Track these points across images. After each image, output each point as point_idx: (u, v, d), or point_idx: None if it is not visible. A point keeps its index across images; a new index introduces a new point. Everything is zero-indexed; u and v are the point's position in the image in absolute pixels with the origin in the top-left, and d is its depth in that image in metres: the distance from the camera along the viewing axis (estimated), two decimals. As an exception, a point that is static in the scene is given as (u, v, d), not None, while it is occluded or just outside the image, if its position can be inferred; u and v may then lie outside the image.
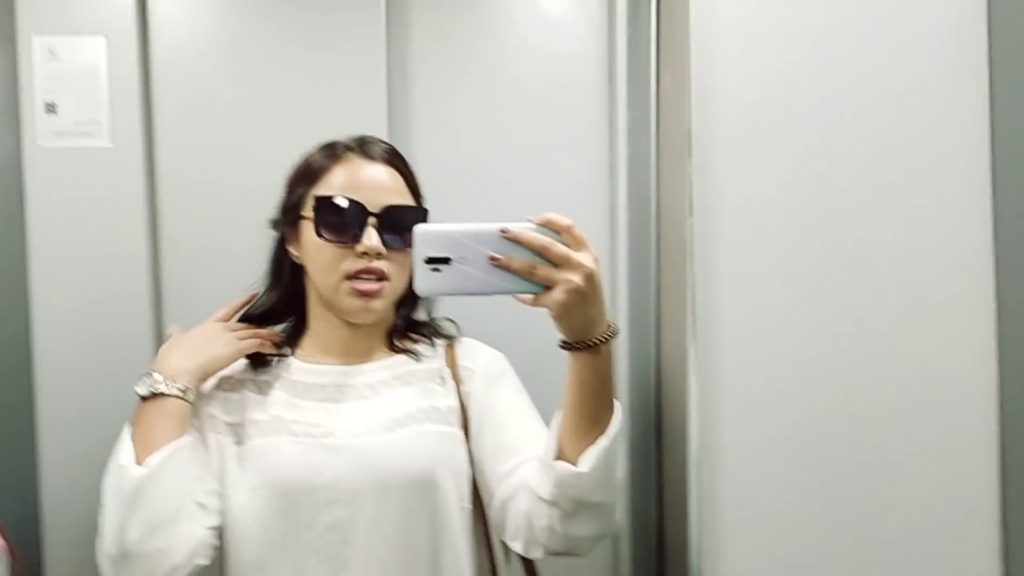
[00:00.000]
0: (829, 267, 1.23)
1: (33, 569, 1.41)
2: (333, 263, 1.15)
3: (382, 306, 1.17)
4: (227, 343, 1.17)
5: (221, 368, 1.16)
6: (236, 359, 1.17)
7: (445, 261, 0.93)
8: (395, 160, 1.20)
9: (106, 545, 1.05)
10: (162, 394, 1.09)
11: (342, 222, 1.14)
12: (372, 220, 1.14)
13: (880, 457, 1.24)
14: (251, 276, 1.28)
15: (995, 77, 1.23)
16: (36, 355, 1.43)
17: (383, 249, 1.13)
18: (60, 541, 1.44)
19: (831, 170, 1.23)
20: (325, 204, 1.15)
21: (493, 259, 0.92)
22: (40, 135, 1.42)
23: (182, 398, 1.10)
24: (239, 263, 1.31)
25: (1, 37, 1.40)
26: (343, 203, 1.14)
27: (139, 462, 1.05)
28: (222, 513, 1.13)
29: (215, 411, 1.17)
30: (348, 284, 1.15)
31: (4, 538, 0.92)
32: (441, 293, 0.97)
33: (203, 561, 1.09)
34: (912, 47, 1.23)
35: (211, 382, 1.20)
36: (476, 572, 1.18)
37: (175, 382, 1.10)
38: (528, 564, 1.21)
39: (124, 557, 1.03)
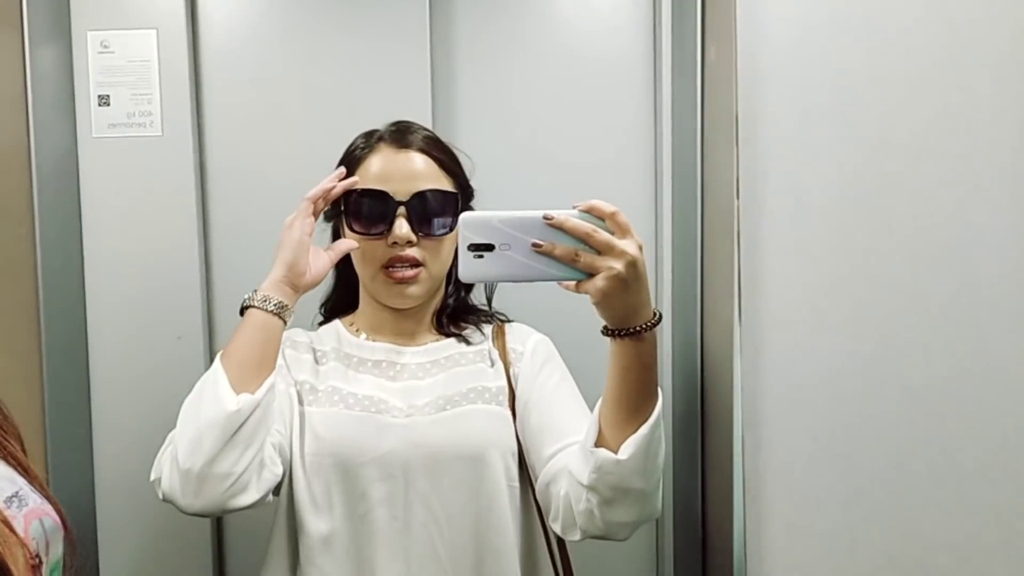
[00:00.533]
0: (878, 247, 1.21)
1: (87, 546, 1.45)
2: (368, 254, 1.18)
3: (420, 291, 1.19)
4: (288, 226, 1.12)
5: (302, 253, 1.10)
6: (304, 233, 1.11)
7: (489, 248, 0.94)
8: (428, 146, 1.21)
9: (184, 461, 1.00)
10: (255, 308, 1.08)
11: (371, 213, 1.16)
12: (401, 209, 1.15)
13: (928, 435, 1.22)
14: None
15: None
16: (90, 337, 1.47)
17: (413, 237, 1.15)
18: (113, 519, 1.48)
19: (881, 147, 1.20)
20: (353, 198, 1.17)
21: (536, 246, 0.93)
22: (94, 126, 1.46)
23: (278, 314, 1.08)
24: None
25: (56, 32, 1.43)
26: (371, 195, 1.16)
27: (234, 388, 1.03)
28: (288, 464, 1.14)
29: (289, 363, 1.20)
30: (384, 273, 1.17)
31: (60, 516, 0.94)
32: (485, 279, 0.98)
33: (268, 499, 1.08)
34: (966, 24, 1.20)
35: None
36: (523, 550, 1.18)
37: (270, 298, 1.08)
38: (561, 545, 1.22)
39: (203, 477, 1.00)
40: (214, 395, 1.02)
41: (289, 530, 1.17)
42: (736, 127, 1.20)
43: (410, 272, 1.17)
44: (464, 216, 0.95)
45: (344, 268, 1.28)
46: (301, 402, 1.18)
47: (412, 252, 1.16)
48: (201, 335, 1.47)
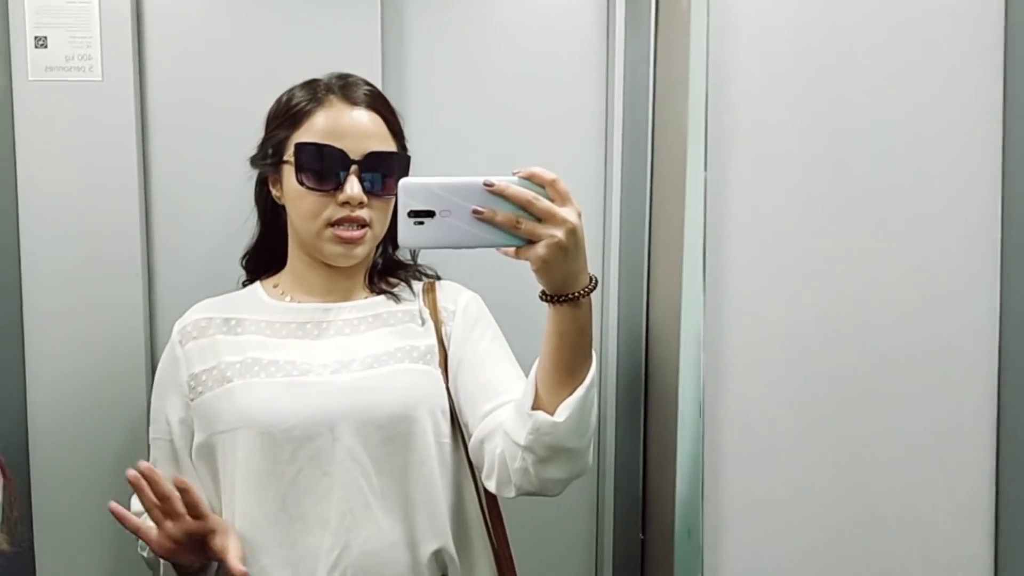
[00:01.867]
0: (838, 203, 1.24)
1: (21, 493, 1.41)
2: (315, 210, 1.16)
3: (364, 252, 1.19)
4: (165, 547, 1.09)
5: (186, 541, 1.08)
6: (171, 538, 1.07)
7: (429, 214, 0.94)
8: (377, 103, 1.20)
9: None
10: None
11: (323, 170, 1.15)
12: (354, 168, 1.15)
13: (880, 387, 1.26)
14: (240, 210, 1.29)
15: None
16: (25, 287, 1.42)
17: (364, 198, 1.15)
18: (47, 466, 1.45)
19: (841, 103, 1.23)
20: (306, 151, 1.15)
21: (477, 212, 0.93)
22: (31, 69, 1.41)
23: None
24: (229, 198, 1.32)
25: (-10, -29, 1.38)
26: (324, 150, 1.15)
27: None
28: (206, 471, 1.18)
29: (195, 368, 1.19)
30: (330, 231, 1.16)
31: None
32: (425, 246, 0.97)
33: None
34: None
35: (177, 336, 1.22)
36: (453, 505, 1.20)
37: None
38: (492, 503, 1.24)
39: None
40: None
41: (221, 507, 1.17)
42: (707, 80, 1.20)
43: (357, 232, 1.16)
44: (404, 182, 0.95)
45: (271, 223, 1.27)
46: (217, 384, 1.17)
47: (361, 213, 1.15)
48: (139, 284, 1.43)
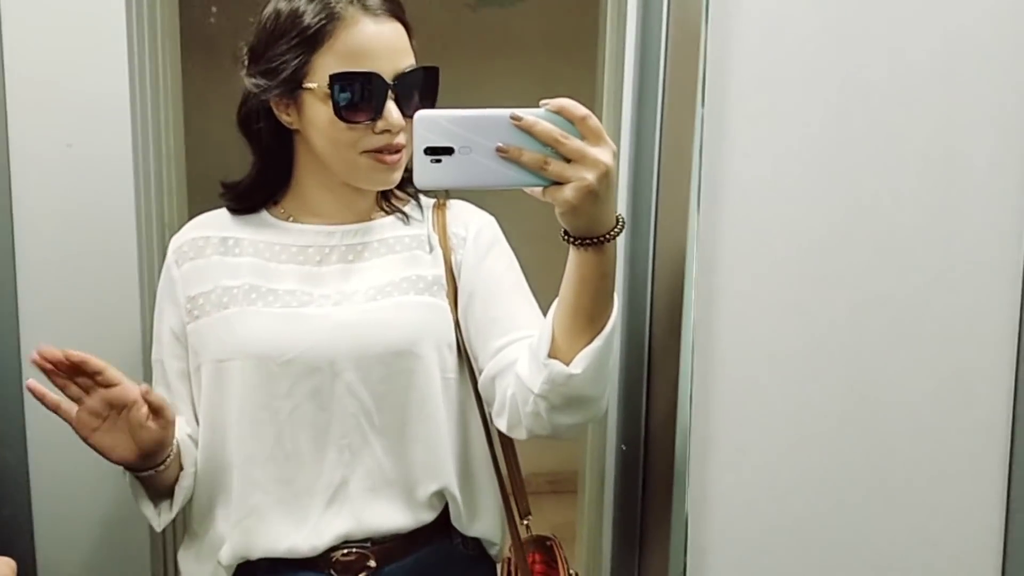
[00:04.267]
0: (844, 154, 1.20)
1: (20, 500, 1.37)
2: (351, 141, 1.10)
3: (400, 174, 1.14)
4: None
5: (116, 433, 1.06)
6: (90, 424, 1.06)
7: (448, 151, 0.88)
8: (396, 10, 1.11)
9: None
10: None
11: (362, 99, 1.07)
12: (390, 92, 1.07)
13: (885, 367, 1.24)
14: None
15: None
16: (19, 261, 1.33)
17: (404, 124, 1.09)
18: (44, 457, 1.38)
19: (851, 115, 1.19)
20: (343, 82, 1.06)
21: (501, 151, 0.88)
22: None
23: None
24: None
25: None
26: (363, 79, 1.06)
27: (155, 503, 1.16)
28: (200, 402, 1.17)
29: (192, 291, 1.15)
30: (368, 159, 1.10)
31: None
32: (442, 186, 0.90)
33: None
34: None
35: (173, 256, 1.17)
36: (458, 441, 1.20)
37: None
38: (502, 435, 1.21)
39: None
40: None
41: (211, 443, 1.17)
42: (705, 82, 1.15)
43: (396, 156, 1.11)
44: (420, 115, 0.89)
45: (274, 152, 1.18)
46: (212, 311, 1.14)
47: (400, 138, 1.10)
48: (134, 261, 1.35)
